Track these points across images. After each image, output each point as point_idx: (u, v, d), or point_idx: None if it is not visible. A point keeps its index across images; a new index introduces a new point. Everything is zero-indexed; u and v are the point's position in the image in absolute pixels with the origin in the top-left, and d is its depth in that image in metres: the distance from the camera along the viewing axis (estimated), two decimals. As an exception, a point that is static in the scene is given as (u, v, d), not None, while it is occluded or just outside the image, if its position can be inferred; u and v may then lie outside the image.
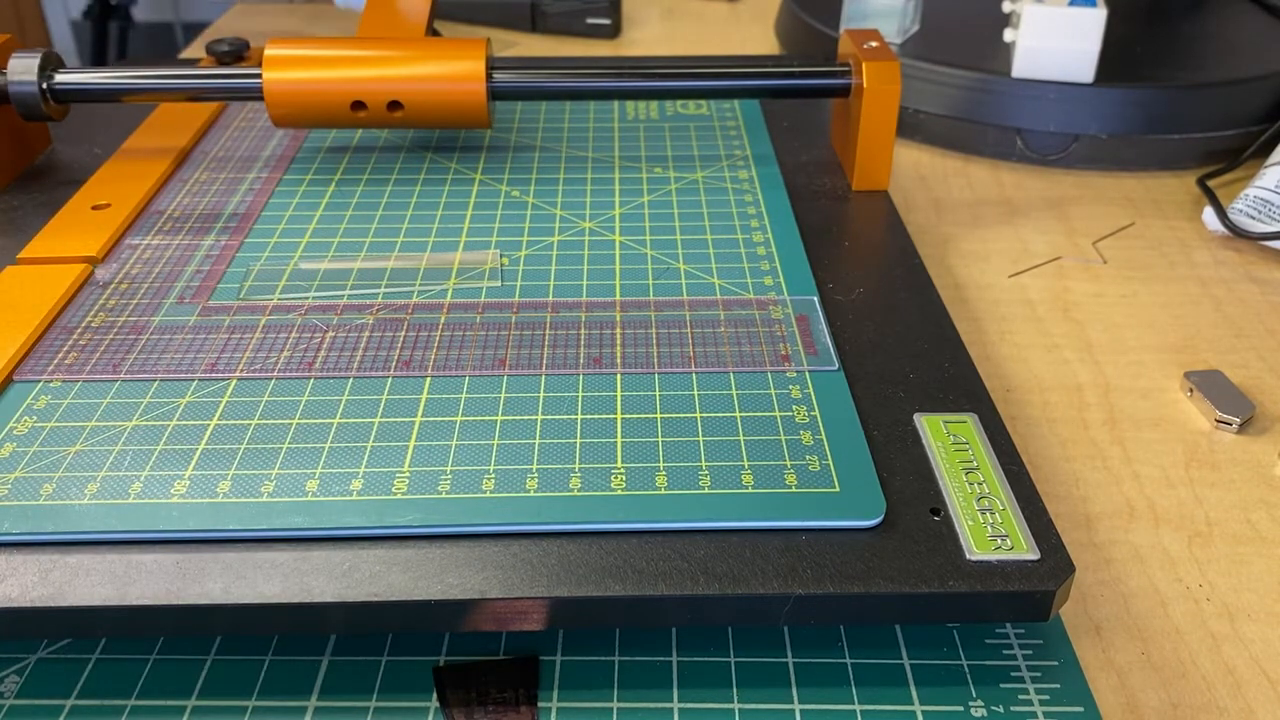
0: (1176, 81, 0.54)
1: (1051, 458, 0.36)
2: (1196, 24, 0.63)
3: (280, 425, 0.32)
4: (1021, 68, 0.54)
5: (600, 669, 0.28)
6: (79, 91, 0.47)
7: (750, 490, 0.30)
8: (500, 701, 0.27)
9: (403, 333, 0.37)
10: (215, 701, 0.28)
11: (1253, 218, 0.48)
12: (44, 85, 0.46)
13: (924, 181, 0.54)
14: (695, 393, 0.34)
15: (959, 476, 0.30)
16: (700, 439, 0.32)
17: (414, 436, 0.32)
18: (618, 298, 0.39)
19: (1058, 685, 0.28)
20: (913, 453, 0.31)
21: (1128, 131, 0.54)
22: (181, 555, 0.28)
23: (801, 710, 0.27)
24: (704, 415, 0.33)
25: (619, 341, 0.36)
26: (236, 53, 0.56)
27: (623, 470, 0.30)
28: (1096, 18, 0.52)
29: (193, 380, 0.34)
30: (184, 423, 0.33)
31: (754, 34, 0.76)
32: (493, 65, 0.47)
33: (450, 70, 0.46)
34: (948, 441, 0.32)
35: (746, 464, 0.31)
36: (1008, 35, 0.55)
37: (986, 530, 0.28)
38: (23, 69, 0.46)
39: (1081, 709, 0.27)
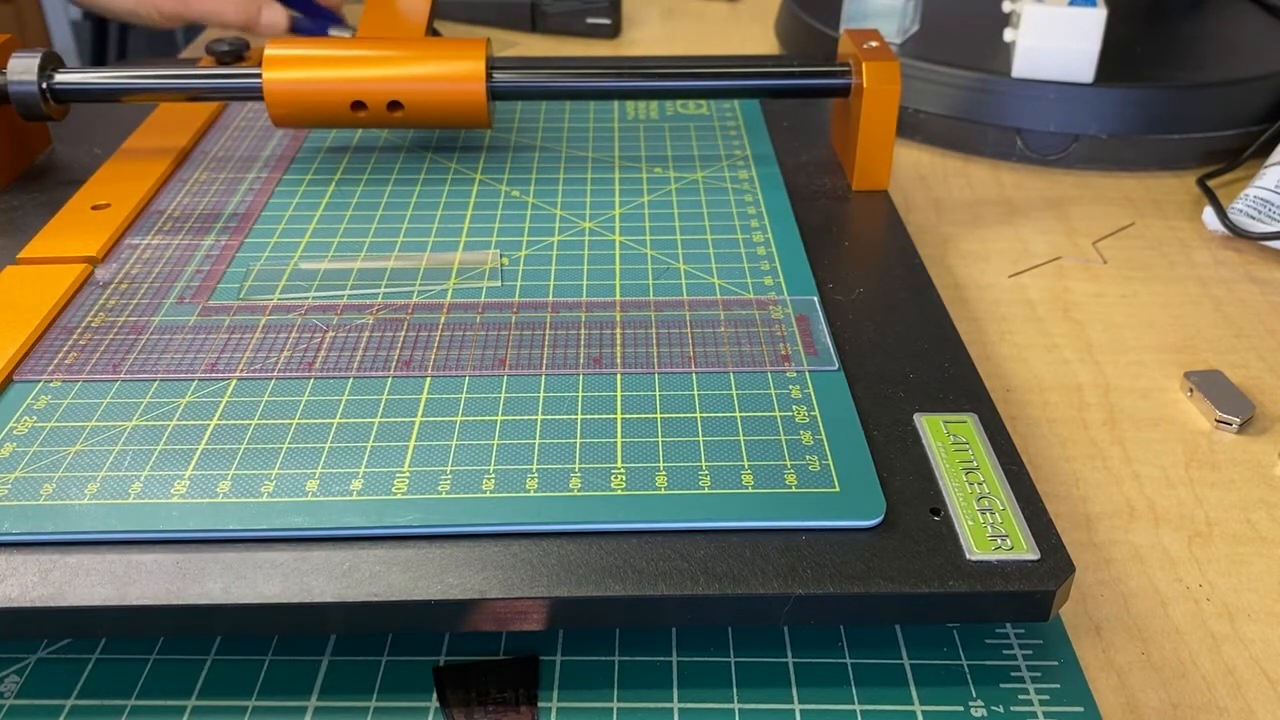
0: (1176, 81, 0.54)
1: (1051, 458, 0.36)
2: (1196, 24, 0.63)
3: (280, 425, 0.32)
4: (1021, 68, 0.54)
5: (600, 669, 0.28)
6: (79, 91, 0.47)
7: (750, 490, 0.30)
8: (500, 701, 0.27)
9: (403, 333, 0.37)
10: (215, 701, 0.28)
11: (1253, 218, 0.48)
12: (44, 85, 0.46)
13: (924, 181, 0.54)
14: (695, 393, 0.34)
15: (959, 476, 0.30)
16: (700, 439, 0.32)
17: (414, 436, 0.32)
18: (618, 298, 0.39)
19: (1058, 685, 0.28)
20: (913, 453, 0.31)
21: (1128, 131, 0.54)
22: (181, 555, 0.28)
23: (801, 710, 0.27)
24: (704, 415, 0.33)
25: (619, 341, 0.36)
26: (236, 53, 0.56)
27: (623, 470, 0.30)
28: (1096, 18, 0.52)
29: (193, 380, 0.34)
30: (184, 423, 0.33)
31: (754, 34, 0.76)
32: (493, 65, 0.47)
33: (450, 70, 0.46)
34: (948, 441, 0.32)
35: (746, 464, 0.31)
36: (1008, 35, 0.55)
37: (986, 530, 0.28)
38: (23, 69, 0.46)
39: (1081, 709, 0.27)
